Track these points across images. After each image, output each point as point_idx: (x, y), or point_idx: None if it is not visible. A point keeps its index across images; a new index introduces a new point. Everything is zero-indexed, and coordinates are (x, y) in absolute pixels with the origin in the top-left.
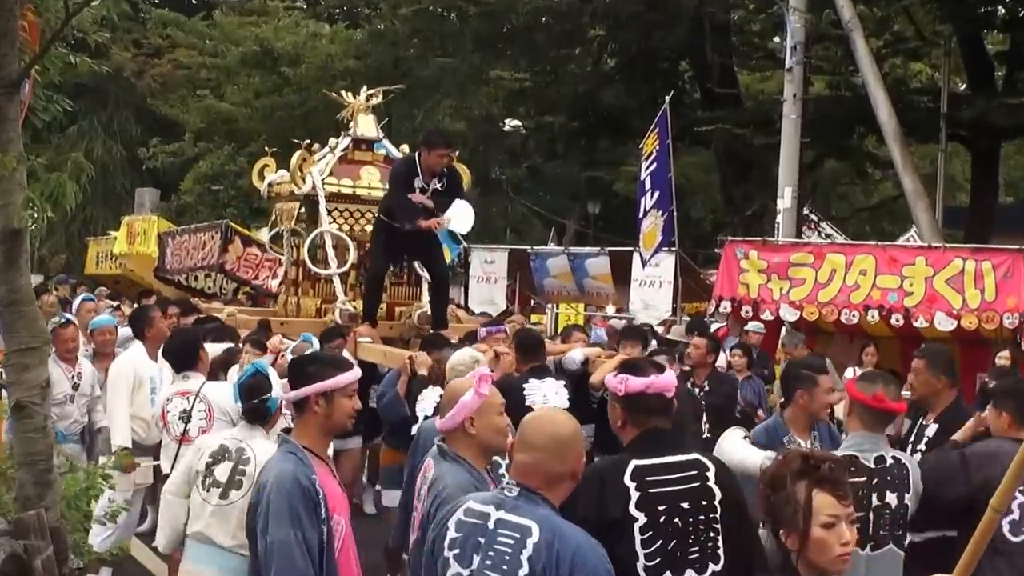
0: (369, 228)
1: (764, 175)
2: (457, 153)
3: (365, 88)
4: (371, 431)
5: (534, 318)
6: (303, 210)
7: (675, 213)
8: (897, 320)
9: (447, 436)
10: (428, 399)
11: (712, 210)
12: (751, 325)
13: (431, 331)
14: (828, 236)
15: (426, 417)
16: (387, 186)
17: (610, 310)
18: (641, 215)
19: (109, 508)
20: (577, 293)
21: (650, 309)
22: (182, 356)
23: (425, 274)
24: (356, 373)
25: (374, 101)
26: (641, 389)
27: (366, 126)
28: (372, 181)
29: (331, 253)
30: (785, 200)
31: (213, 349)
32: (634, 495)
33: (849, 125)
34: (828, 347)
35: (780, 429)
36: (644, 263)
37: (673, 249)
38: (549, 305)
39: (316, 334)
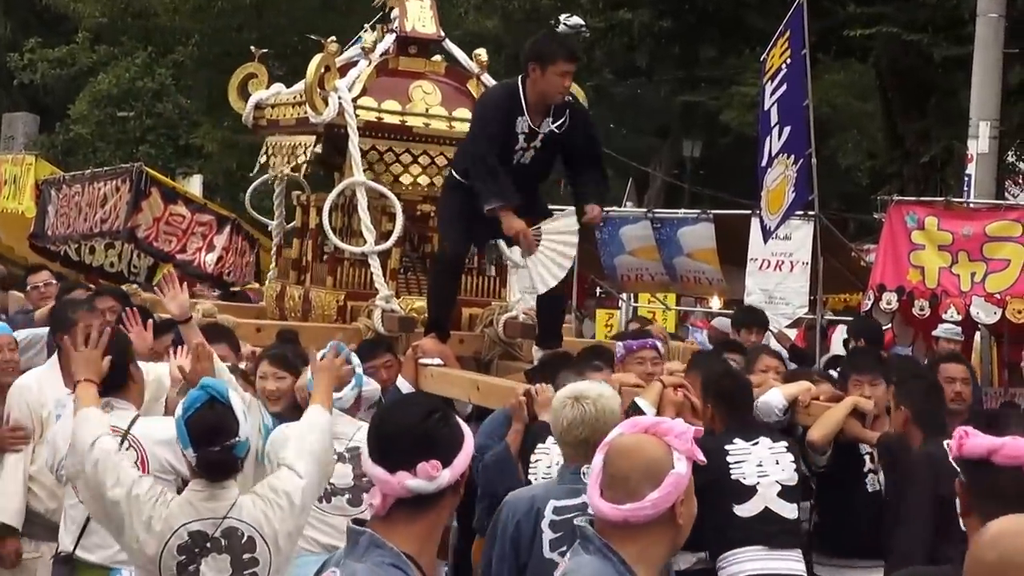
0: (425, 181)
1: (948, 104)
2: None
3: None
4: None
5: (600, 316)
6: (319, 149)
7: (814, 159)
8: None
9: (623, 526)
10: (547, 458)
11: (870, 155)
12: (943, 329)
13: (543, 349)
14: None
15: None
16: (465, 122)
17: (715, 304)
18: (764, 162)
19: None
20: (665, 278)
21: (776, 303)
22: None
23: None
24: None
25: None
26: (982, 455)
27: (418, 16)
28: (430, 105)
29: (366, 219)
30: (980, 141)
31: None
32: None
33: None
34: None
35: None
36: (768, 234)
37: (811, 214)
38: (623, 296)
39: (296, 340)
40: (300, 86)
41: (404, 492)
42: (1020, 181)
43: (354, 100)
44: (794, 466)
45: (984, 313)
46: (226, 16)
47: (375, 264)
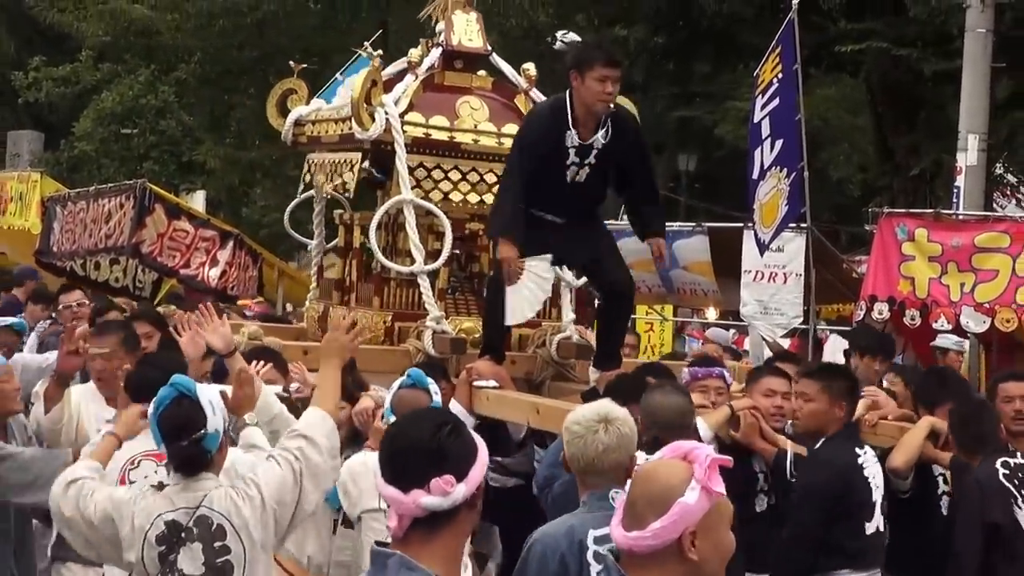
0: (474, 199)
1: (937, 118)
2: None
3: None
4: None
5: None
6: (367, 166)
7: (806, 172)
8: None
9: (630, 556)
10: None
11: (861, 168)
12: (943, 340)
13: (600, 370)
14: None
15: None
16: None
17: (711, 315)
18: (756, 175)
19: None
20: (662, 290)
21: (771, 314)
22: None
23: (571, 278)
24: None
25: None
26: None
27: (465, 30)
28: (478, 120)
29: (415, 238)
30: (969, 154)
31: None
32: None
33: None
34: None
35: None
36: (763, 247)
37: (804, 226)
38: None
39: (388, 369)
40: (341, 101)
41: (419, 511)
42: (1008, 193)
43: (401, 116)
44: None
45: (974, 323)
46: (227, 35)
47: (424, 284)
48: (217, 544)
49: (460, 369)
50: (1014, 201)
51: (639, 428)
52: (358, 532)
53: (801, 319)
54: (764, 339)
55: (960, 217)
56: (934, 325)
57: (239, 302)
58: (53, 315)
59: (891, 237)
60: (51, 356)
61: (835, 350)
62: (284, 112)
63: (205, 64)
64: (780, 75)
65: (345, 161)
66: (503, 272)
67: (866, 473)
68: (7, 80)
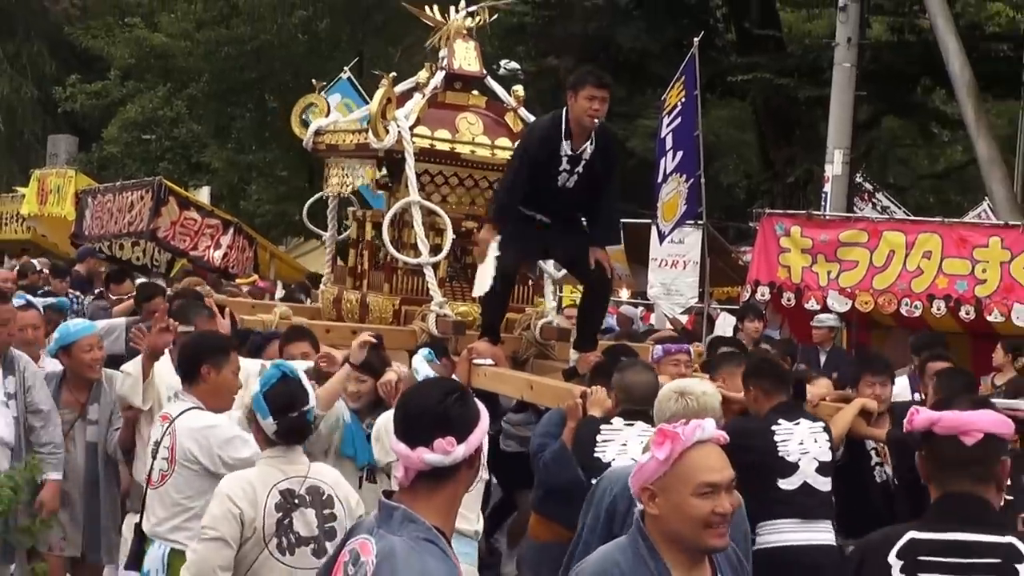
0: (468, 200)
1: (809, 135)
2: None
3: (463, 3)
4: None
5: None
6: (383, 172)
7: (702, 178)
8: (967, 313)
9: None
10: (619, 436)
11: (746, 175)
12: (822, 317)
13: (579, 351)
14: (885, 209)
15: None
16: (506, 150)
17: (624, 295)
18: (660, 180)
19: None
20: None
21: (672, 295)
22: (181, 369)
23: (553, 271)
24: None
25: (475, 21)
26: (926, 426)
27: (465, 56)
28: (475, 134)
29: (421, 233)
30: (835, 165)
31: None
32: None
33: (913, 76)
34: (884, 343)
35: None
36: (663, 238)
37: (699, 222)
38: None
39: (396, 346)
40: (356, 115)
41: (423, 465)
42: (865, 198)
43: (410, 129)
44: (829, 444)
45: (838, 304)
46: (231, 59)
47: (429, 273)
48: (327, 511)
49: (459, 348)
50: (870, 204)
51: (613, 403)
52: (379, 485)
53: (697, 299)
54: (666, 315)
55: (827, 217)
56: (806, 305)
57: (238, 280)
58: (97, 292)
59: (771, 233)
60: (99, 323)
61: (725, 324)
62: (304, 123)
63: (212, 83)
64: (683, 99)
65: (354, 167)
66: (479, 251)
67: (777, 438)
68: (48, 93)
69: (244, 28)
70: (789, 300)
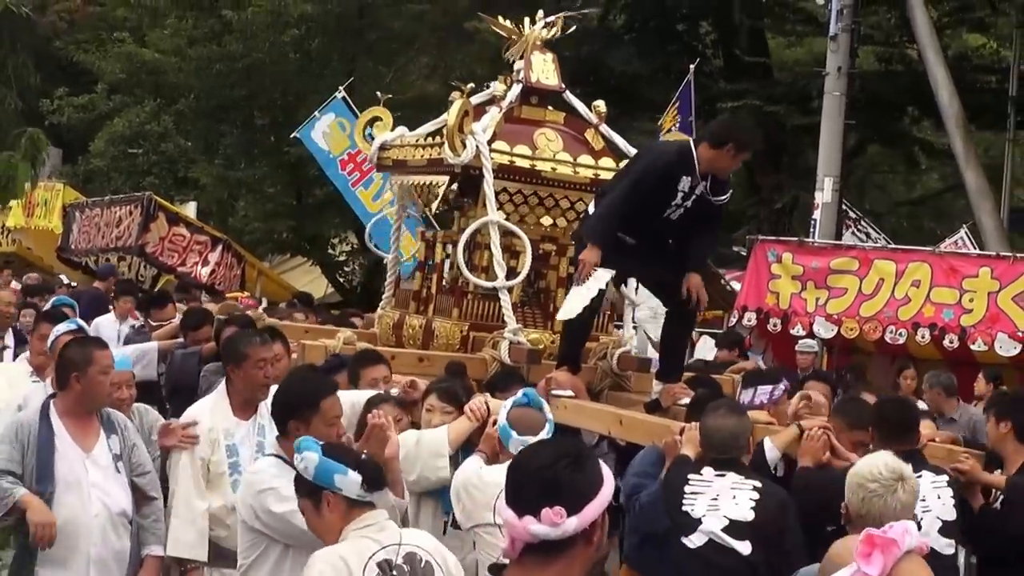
0: (548, 222)
1: (797, 162)
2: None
3: (541, 15)
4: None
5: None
6: (455, 188)
7: None
8: (951, 342)
9: None
10: (710, 489)
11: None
12: (806, 343)
13: (664, 382)
14: (868, 236)
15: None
16: (588, 168)
17: None
18: None
19: None
20: None
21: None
22: (288, 410)
23: (634, 297)
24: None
25: (552, 33)
26: None
27: (543, 69)
28: (555, 151)
29: (498, 256)
30: (825, 193)
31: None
32: None
33: (900, 106)
34: (866, 369)
35: None
36: None
37: None
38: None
39: (464, 373)
40: (424, 129)
41: (529, 537)
42: (847, 224)
43: (488, 143)
44: (953, 501)
45: (824, 330)
46: (222, 76)
47: (505, 298)
48: None
49: (530, 378)
50: (853, 231)
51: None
52: (466, 535)
53: None
54: (648, 337)
55: (819, 245)
56: (791, 331)
57: (227, 295)
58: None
59: (763, 259)
60: (128, 348)
61: (705, 349)
62: (368, 137)
63: (201, 99)
64: (677, 124)
65: (431, 183)
66: (578, 271)
67: None
68: (32, 105)
69: (236, 45)
70: (775, 325)
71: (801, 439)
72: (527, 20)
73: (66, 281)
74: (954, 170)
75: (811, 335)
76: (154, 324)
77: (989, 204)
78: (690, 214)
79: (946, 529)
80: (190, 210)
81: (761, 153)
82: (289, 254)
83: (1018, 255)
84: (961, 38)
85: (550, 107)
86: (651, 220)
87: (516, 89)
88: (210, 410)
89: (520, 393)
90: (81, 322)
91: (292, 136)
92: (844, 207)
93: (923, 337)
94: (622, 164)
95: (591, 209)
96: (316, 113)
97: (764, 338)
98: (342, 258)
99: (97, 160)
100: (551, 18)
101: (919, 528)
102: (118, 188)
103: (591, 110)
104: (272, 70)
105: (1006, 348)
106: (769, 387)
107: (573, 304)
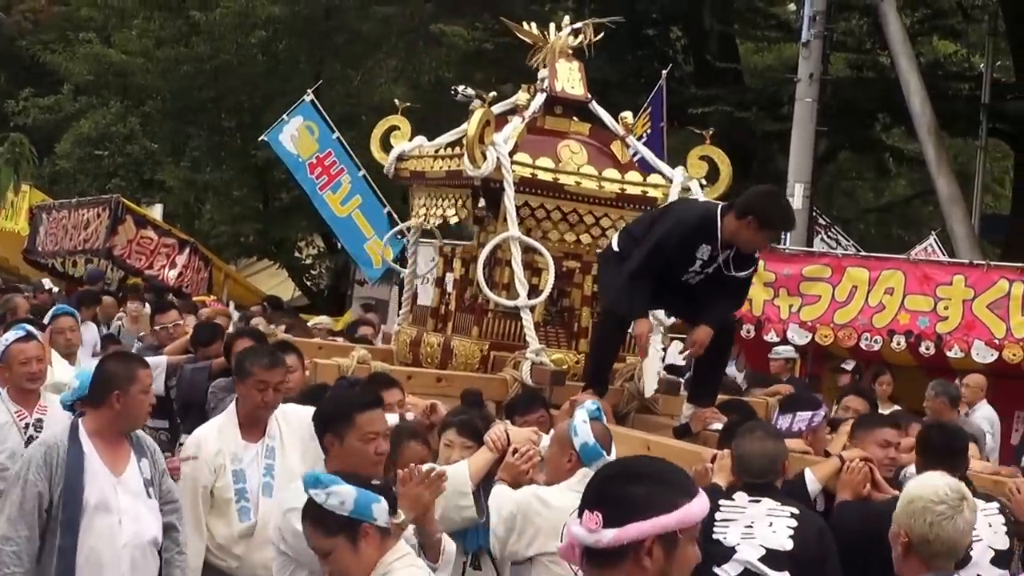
0: (571, 238)
1: (766, 168)
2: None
3: (567, 20)
4: None
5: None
6: (479, 202)
7: None
8: (927, 349)
9: None
10: (743, 517)
11: None
12: (780, 349)
13: (696, 406)
14: (838, 244)
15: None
16: (615, 182)
17: None
18: None
19: None
20: None
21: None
22: (323, 424)
23: (663, 317)
24: (704, 502)
25: (579, 40)
26: None
27: (567, 78)
28: (579, 164)
29: (519, 273)
30: (795, 199)
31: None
32: None
33: (871, 113)
34: (839, 375)
35: None
36: None
37: None
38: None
39: (486, 395)
40: (443, 139)
41: (571, 537)
42: (817, 230)
43: (509, 155)
44: (1005, 529)
45: (798, 337)
46: (189, 78)
47: (527, 317)
48: None
49: (553, 400)
50: (823, 237)
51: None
52: (484, 572)
53: None
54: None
55: (791, 252)
56: (765, 337)
57: (195, 299)
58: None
59: None
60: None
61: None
62: (386, 147)
63: (168, 101)
64: (649, 130)
65: (451, 196)
66: (640, 346)
67: None
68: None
69: (204, 47)
70: (748, 332)
71: (841, 471)
72: (552, 27)
73: (48, 286)
74: (923, 177)
75: (785, 341)
76: (157, 329)
77: (960, 211)
78: (710, 280)
79: (999, 559)
80: (156, 212)
81: (731, 159)
82: (256, 257)
83: (991, 263)
84: (933, 45)
85: (575, 118)
86: (670, 282)
87: (540, 99)
88: (218, 432)
89: (592, 405)
90: (30, 328)
91: (260, 139)
92: (814, 214)
93: (898, 344)
94: (650, 179)
95: (614, 243)
96: (284, 116)
97: (737, 344)
98: (309, 261)
99: (63, 162)
100: (578, 24)
101: (970, 558)
102: (84, 190)
103: (618, 121)
104: (240, 72)
105: (983, 355)
106: (808, 413)
107: (650, 378)
